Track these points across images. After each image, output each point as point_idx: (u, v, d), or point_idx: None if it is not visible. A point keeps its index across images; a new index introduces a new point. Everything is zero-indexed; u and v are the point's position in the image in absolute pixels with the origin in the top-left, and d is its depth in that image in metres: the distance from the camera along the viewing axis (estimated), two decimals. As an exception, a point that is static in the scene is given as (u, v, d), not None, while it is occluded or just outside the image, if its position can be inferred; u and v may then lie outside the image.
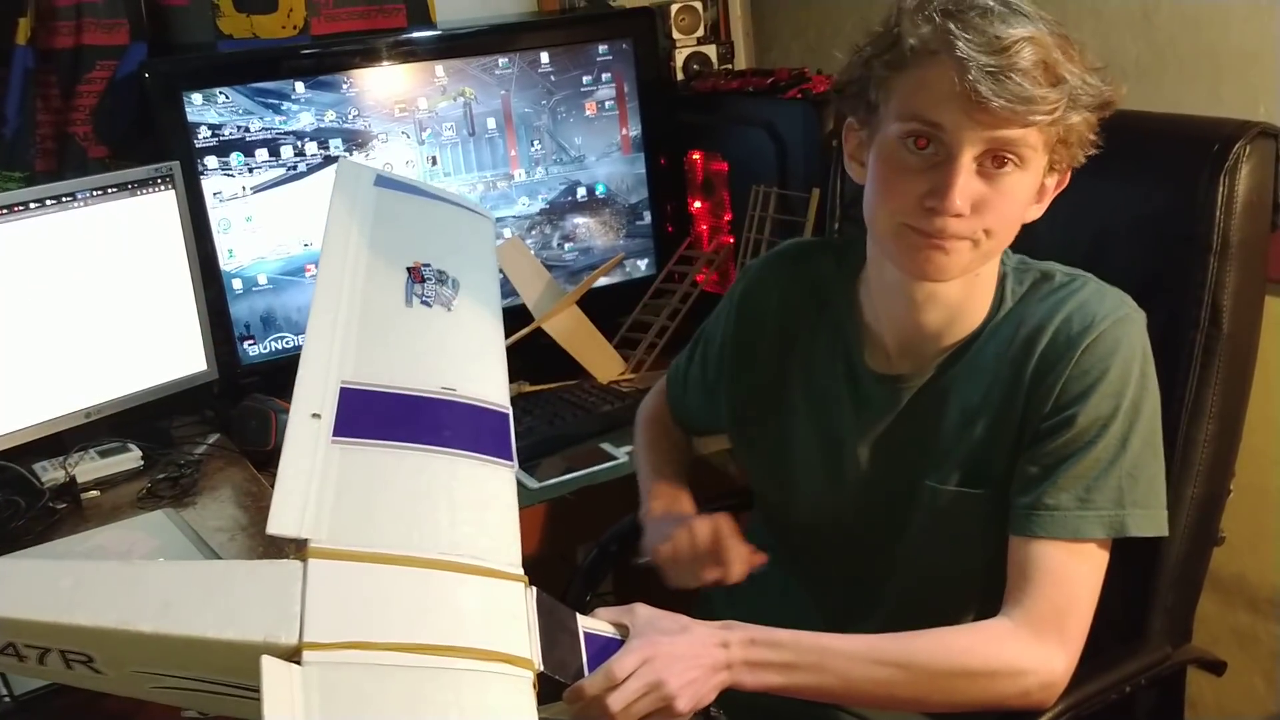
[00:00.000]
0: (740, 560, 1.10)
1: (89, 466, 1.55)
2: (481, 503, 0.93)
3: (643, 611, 0.98)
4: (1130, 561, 1.13)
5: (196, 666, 0.79)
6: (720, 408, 1.26)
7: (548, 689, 0.87)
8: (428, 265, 1.08)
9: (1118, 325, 0.99)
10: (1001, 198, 0.95)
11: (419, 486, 0.92)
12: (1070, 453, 0.98)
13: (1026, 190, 0.97)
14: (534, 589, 0.90)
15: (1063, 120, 0.93)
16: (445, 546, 0.87)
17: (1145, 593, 1.15)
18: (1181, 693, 1.23)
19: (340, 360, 0.97)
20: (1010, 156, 0.94)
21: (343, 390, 0.95)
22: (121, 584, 0.81)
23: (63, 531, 1.43)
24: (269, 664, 0.74)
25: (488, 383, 1.02)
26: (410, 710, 0.77)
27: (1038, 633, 0.97)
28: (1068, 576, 0.98)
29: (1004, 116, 0.91)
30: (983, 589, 1.07)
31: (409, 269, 1.07)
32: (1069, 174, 1.02)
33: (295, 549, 0.85)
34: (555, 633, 0.90)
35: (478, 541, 0.89)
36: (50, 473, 1.52)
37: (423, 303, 1.05)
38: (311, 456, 0.90)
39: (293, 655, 0.76)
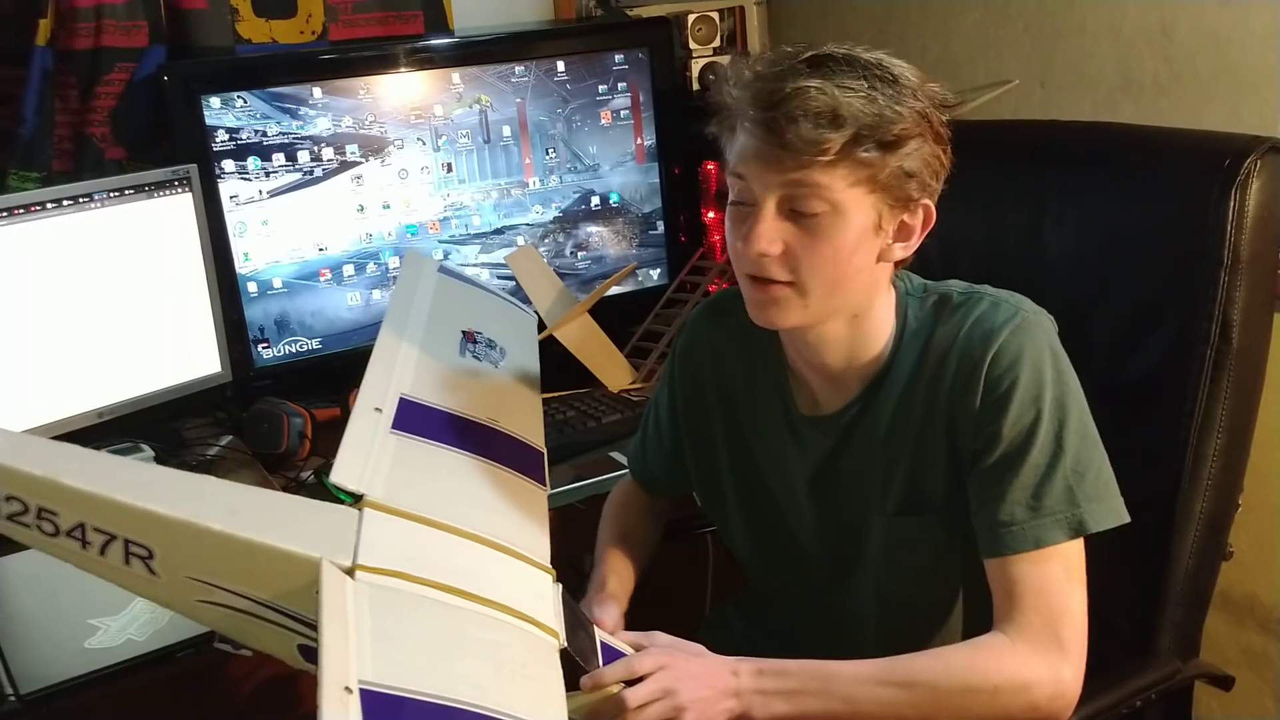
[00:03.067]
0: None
1: (101, 466, 1.56)
2: (518, 506, 1.00)
3: (661, 638, 1.02)
4: (1138, 576, 1.14)
5: (248, 579, 0.83)
6: (683, 470, 1.27)
7: (564, 676, 0.89)
8: (480, 333, 1.19)
9: (1016, 332, 1.01)
10: (816, 241, 0.98)
11: (465, 479, 1.00)
12: (1008, 466, 1.00)
13: (847, 233, 0.98)
14: (560, 585, 0.95)
15: (853, 159, 0.95)
16: (485, 527, 0.94)
17: (1154, 608, 1.15)
18: (1189, 708, 1.23)
19: (399, 379, 1.07)
20: (816, 201, 0.97)
21: (402, 399, 1.04)
22: (195, 488, 0.89)
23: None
24: (328, 570, 0.79)
25: (527, 429, 1.12)
26: (451, 636, 0.82)
27: (1035, 646, 0.97)
28: (1045, 586, 0.98)
29: (785, 162, 0.96)
30: (964, 612, 1.08)
31: (464, 331, 1.18)
32: (928, 209, 1.02)
33: (353, 502, 0.91)
34: (576, 629, 0.94)
35: (514, 532, 0.96)
36: (63, 471, 1.53)
37: (474, 357, 1.17)
38: (371, 436, 0.98)
39: (347, 574, 0.81)
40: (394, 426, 1.01)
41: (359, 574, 0.82)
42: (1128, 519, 1.01)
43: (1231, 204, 1.11)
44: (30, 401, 1.51)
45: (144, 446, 1.61)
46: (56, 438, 1.51)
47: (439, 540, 0.91)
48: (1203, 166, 1.14)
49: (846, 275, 1.01)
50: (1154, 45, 1.57)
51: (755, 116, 0.96)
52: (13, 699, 1.13)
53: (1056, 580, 0.98)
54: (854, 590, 1.13)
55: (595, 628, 1.00)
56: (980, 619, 1.02)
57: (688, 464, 1.25)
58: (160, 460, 1.60)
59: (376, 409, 1.01)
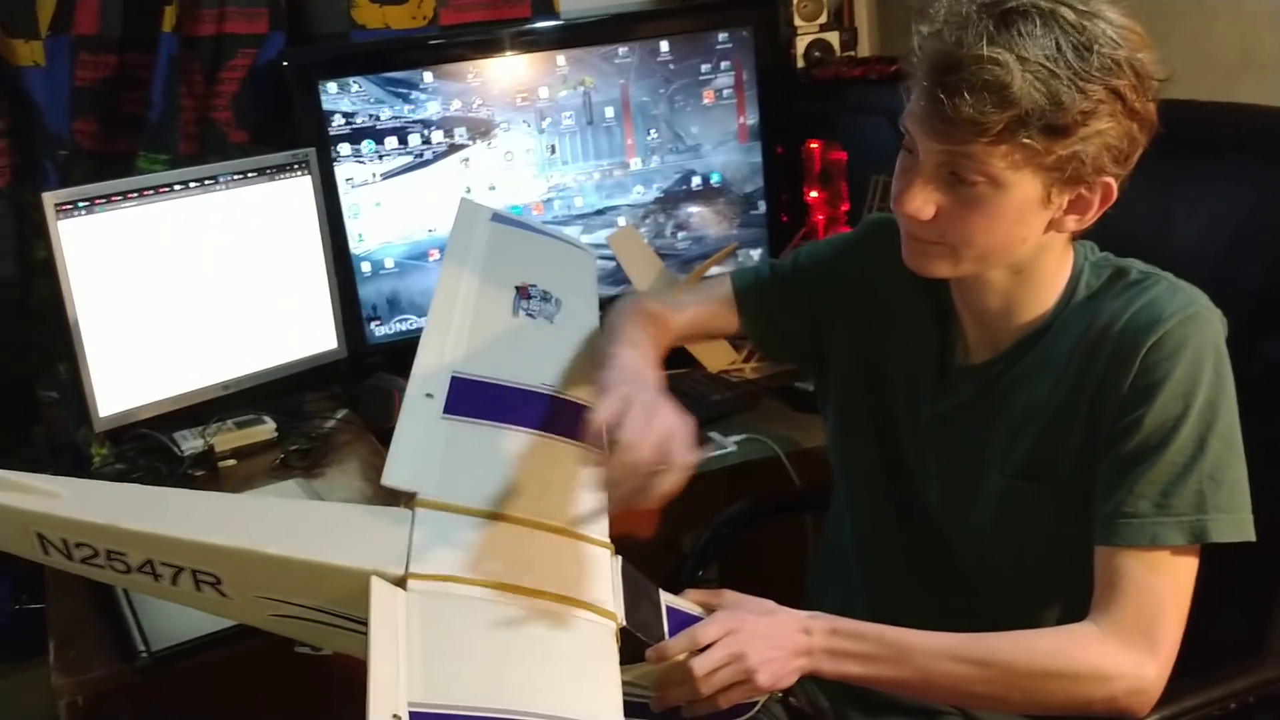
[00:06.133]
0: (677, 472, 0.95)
1: (226, 437, 1.63)
2: (575, 478, 0.99)
3: (730, 595, 1.02)
4: (1253, 575, 1.10)
5: (311, 593, 0.86)
6: (784, 320, 1.24)
7: (629, 649, 0.90)
8: (534, 285, 1.18)
9: (1186, 323, 0.97)
10: (971, 211, 0.96)
11: (519, 459, 1.00)
12: (1142, 456, 0.97)
13: (1007, 207, 0.95)
14: (619, 558, 0.95)
15: (1014, 143, 0.92)
16: (539, 509, 0.95)
17: (1265, 608, 1.11)
18: None
19: (452, 354, 1.07)
20: (974, 173, 0.94)
21: (453, 378, 1.04)
22: (249, 512, 0.92)
23: (200, 498, 1.52)
24: (378, 584, 0.81)
25: (583, 385, 1.09)
26: (502, 639, 0.83)
27: (1125, 640, 0.95)
28: (1152, 585, 0.96)
29: (945, 133, 0.93)
30: (1061, 593, 1.06)
31: (517, 287, 1.17)
32: (1108, 185, 0.97)
33: (405, 501, 0.92)
34: (639, 599, 0.94)
35: (569, 509, 0.96)
36: (190, 441, 1.61)
37: (528, 314, 1.15)
38: (424, 427, 0.99)
39: (399, 583, 0.83)
40: (446, 411, 1.01)
41: (410, 583, 0.83)
42: (1253, 537, 0.97)
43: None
44: (161, 375, 1.59)
45: (266, 419, 1.68)
46: (185, 409, 1.61)
47: (492, 533, 0.91)
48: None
49: (1006, 245, 0.99)
50: (1276, 23, 1.51)
51: (925, 81, 0.93)
52: (144, 655, 1.19)
53: (1163, 581, 0.97)
54: (955, 549, 1.12)
55: (661, 592, 0.99)
56: (1076, 611, 1.00)
57: (798, 323, 1.24)
58: (281, 432, 1.67)
59: (428, 395, 1.02)
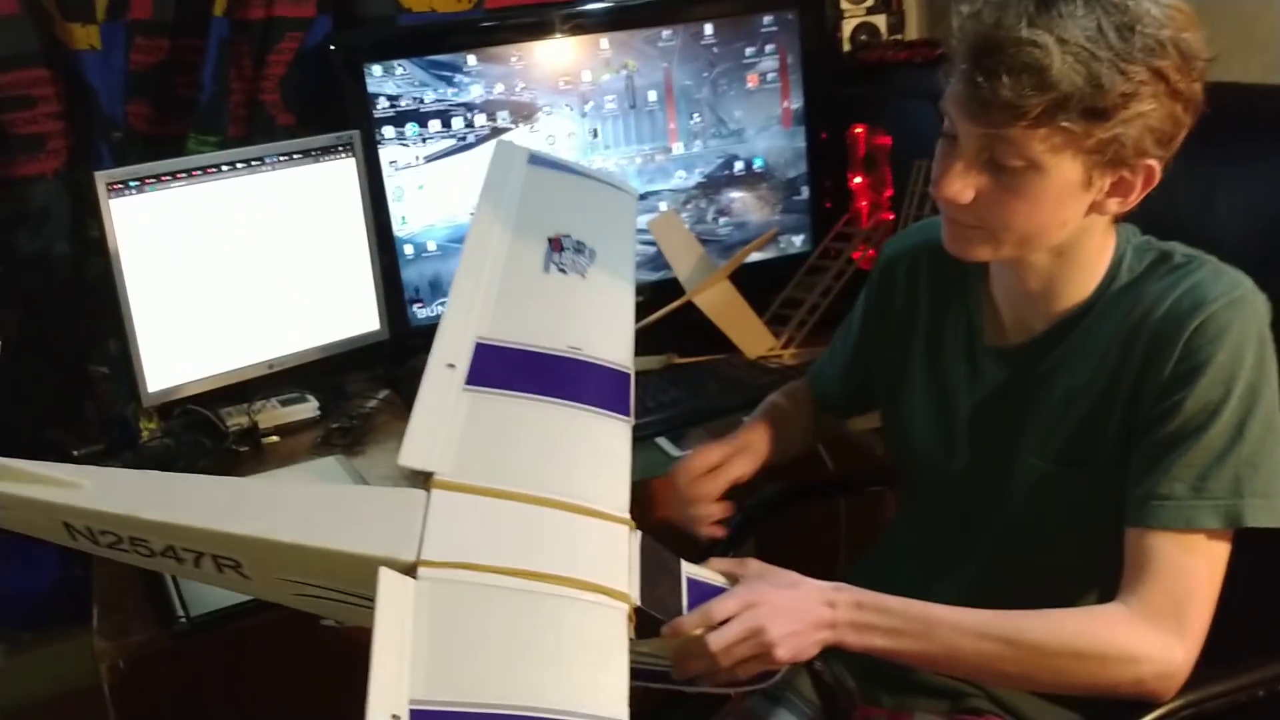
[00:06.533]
0: (702, 516, 1.15)
1: (270, 414, 1.67)
2: (596, 452, 1.00)
3: (755, 565, 1.02)
4: None
5: (328, 576, 0.88)
6: (853, 381, 1.29)
7: (651, 622, 0.91)
8: (568, 236, 1.16)
9: (1230, 307, 0.96)
10: (1011, 195, 0.96)
11: (539, 433, 1.00)
12: (1181, 439, 0.96)
13: (1048, 191, 0.95)
14: (639, 533, 0.95)
15: (1053, 125, 0.91)
16: (558, 487, 0.95)
17: None
18: None
19: (479, 318, 1.06)
20: (1014, 158, 0.94)
21: (478, 345, 1.04)
22: (268, 499, 0.93)
23: (244, 471, 1.55)
24: (385, 575, 0.81)
25: (612, 345, 1.09)
26: (511, 628, 0.83)
27: (1154, 622, 0.95)
28: (1183, 567, 0.96)
29: (984, 117, 0.94)
30: (1093, 578, 1.05)
31: (550, 239, 1.15)
32: (1152, 168, 0.97)
33: (422, 481, 0.93)
34: (657, 575, 0.94)
35: (589, 486, 0.96)
36: (234, 418, 1.64)
37: (559, 269, 1.13)
38: (443, 400, 0.99)
39: (410, 570, 0.84)
40: (468, 382, 1.01)
41: (421, 571, 0.84)
42: None
43: None
44: (208, 352, 1.63)
45: (309, 397, 1.72)
46: (231, 386, 1.65)
47: (509, 513, 0.92)
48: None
49: (1047, 228, 0.99)
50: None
51: (964, 63, 0.94)
52: (184, 620, 1.22)
53: (1195, 564, 0.96)
54: (991, 533, 1.12)
55: (682, 564, 0.99)
56: (1106, 594, 1.00)
57: (869, 376, 1.26)
58: (324, 411, 1.71)
59: (449, 365, 1.01)
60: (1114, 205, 0.99)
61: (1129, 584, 0.97)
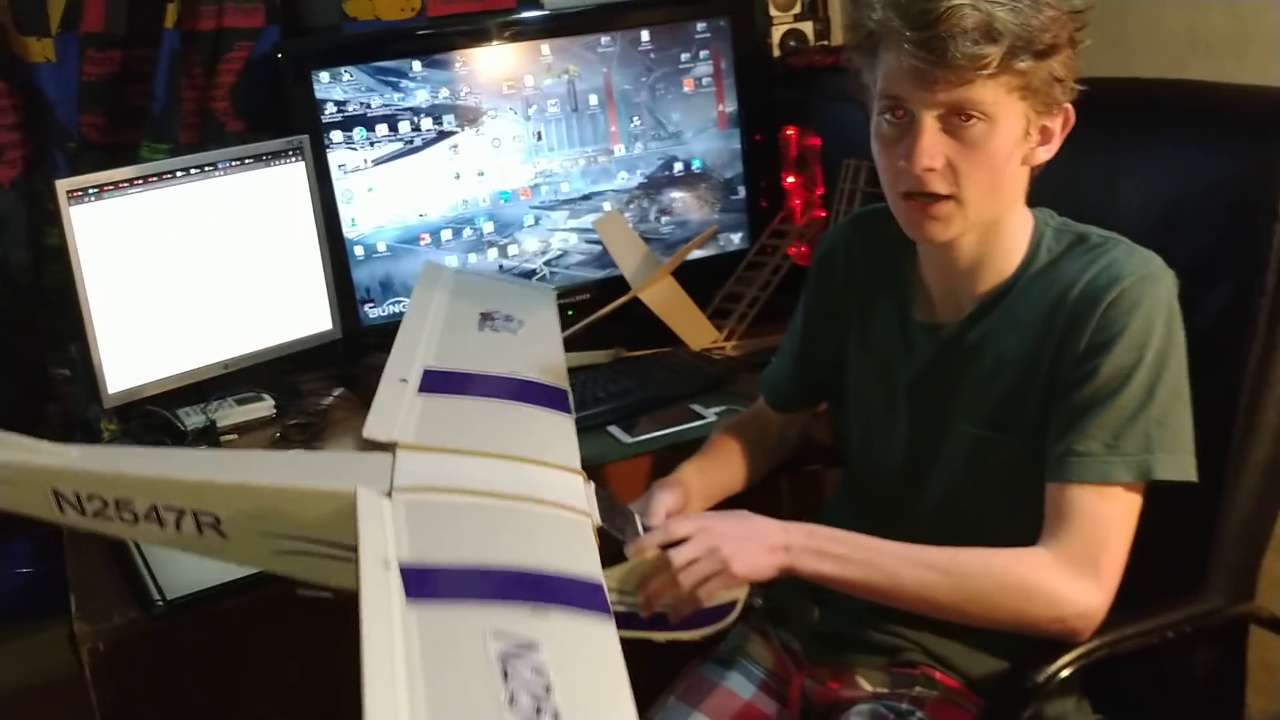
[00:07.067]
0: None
1: (227, 413, 1.70)
2: (545, 428, 1.08)
3: (702, 508, 1.13)
4: (1192, 518, 1.16)
5: (304, 523, 0.91)
6: (803, 377, 1.36)
7: (608, 551, 0.97)
8: (497, 311, 1.28)
9: (1141, 282, 1.05)
10: (973, 151, 1.04)
11: (492, 415, 1.09)
12: (1097, 401, 1.05)
13: (1002, 140, 1.05)
14: (593, 484, 1.02)
15: (1011, 70, 1.01)
16: (515, 448, 1.02)
17: (1206, 549, 1.18)
18: (1243, 650, 1.24)
19: (424, 355, 1.15)
20: (972, 113, 1.02)
21: (426, 370, 1.13)
22: (243, 458, 1.01)
23: (204, 470, 1.58)
24: (364, 493, 0.87)
25: (548, 374, 1.19)
26: (485, 527, 0.89)
27: (1073, 567, 1.04)
28: (1099, 517, 1.04)
29: (948, 80, 1.01)
30: (1025, 538, 1.12)
31: (482, 313, 1.26)
32: (1069, 110, 1.08)
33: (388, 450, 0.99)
34: (613, 514, 1.02)
35: (543, 448, 1.04)
36: (192, 418, 1.67)
37: (492, 330, 1.25)
38: (400, 398, 1.06)
39: (384, 497, 0.89)
40: (420, 390, 1.08)
41: (395, 495, 0.90)
42: (1194, 478, 1.05)
43: (1287, 157, 1.13)
44: (166, 354, 1.66)
45: (265, 396, 1.75)
46: (188, 387, 1.68)
47: (471, 463, 0.99)
48: (1260, 121, 1.18)
49: (1001, 181, 1.08)
50: (1222, 4, 1.59)
51: (913, 37, 1.00)
52: (159, 604, 1.25)
53: (1110, 515, 1.05)
54: (927, 499, 1.19)
55: (634, 513, 1.07)
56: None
57: (816, 369, 1.33)
58: (280, 409, 1.74)
59: (402, 380, 1.09)
60: (1043, 153, 1.09)
61: (1050, 533, 1.06)
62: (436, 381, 1.10)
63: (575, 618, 0.81)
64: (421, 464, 0.96)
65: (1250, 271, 1.17)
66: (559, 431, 1.09)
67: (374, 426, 1.00)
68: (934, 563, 1.05)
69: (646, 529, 1.06)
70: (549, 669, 0.72)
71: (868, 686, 1.20)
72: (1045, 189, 1.26)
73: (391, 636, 0.71)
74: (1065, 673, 1.06)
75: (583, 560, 0.89)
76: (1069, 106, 1.08)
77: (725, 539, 1.04)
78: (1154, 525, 1.07)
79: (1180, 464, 1.05)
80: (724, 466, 1.33)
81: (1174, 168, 1.26)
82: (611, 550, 0.99)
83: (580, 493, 1.00)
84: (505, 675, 0.70)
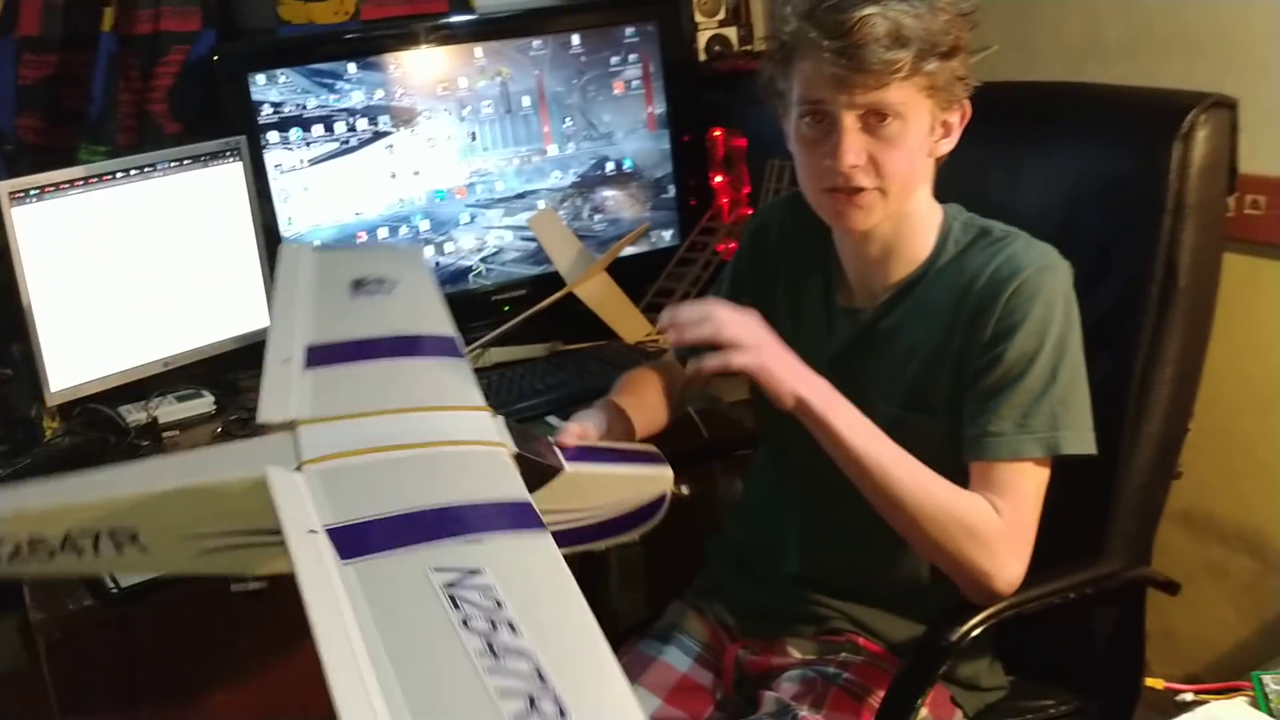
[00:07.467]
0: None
1: (168, 409, 1.72)
2: (440, 376, 1.07)
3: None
4: (1091, 490, 1.25)
5: (221, 517, 0.90)
6: None
7: (535, 476, 0.98)
8: (367, 276, 1.26)
9: (1040, 273, 1.14)
10: (891, 147, 1.12)
11: (384, 377, 1.06)
12: (1005, 384, 1.13)
13: (914, 135, 1.13)
14: (501, 417, 1.01)
15: (920, 72, 1.09)
16: (415, 400, 1.00)
17: (1103, 519, 1.27)
18: (1141, 613, 1.33)
19: (301, 335, 1.12)
20: (888, 113, 1.11)
21: (308, 347, 1.10)
22: (145, 469, 0.98)
23: (147, 467, 1.60)
24: (274, 472, 0.85)
25: (431, 323, 1.17)
26: (405, 481, 0.88)
27: (1006, 533, 1.11)
28: (1014, 491, 1.12)
29: (865, 84, 1.09)
30: None
31: (352, 281, 1.25)
32: (966, 106, 1.17)
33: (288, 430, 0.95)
34: (527, 440, 1.01)
35: (444, 394, 1.03)
36: (134, 415, 1.69)
37: (367, 295, 1.23)
38: (289, 379, 1.04)
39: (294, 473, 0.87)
40: (307, 366, 1.05)
41: (305, 468, 0.87)
42: (1094, 451, 1.14)
43: (1175, 154, 1.22)
44: (107, 352, 1.67)
45: (204, 393, 1.77)
46: (129, 385, 1.70)
47: (375, 423, 0.96)
48: (1153, 121, 1.26)
49: (915, 172, 1.16)
50: (1117, 9, 1.69)
51: (831, 46, 1.08)
52: (114, 591, 1.27)
53: (1024, 489, 1.13)
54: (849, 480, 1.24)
55: (551, 440, 1.08)
56: None
57: None
58: (220, 406, 1.76)
59: (285, 360, 1.06)
60: (945, 145, 1.18)
61: None
62: (321, 355, 1.08)
63: (510, 537, 0.81)
64: (325, 434, 0.93)
65: (1141, 261, 1.26)
66: (454, 374, 1.07)
67: (267, 410, 0.98)
68: (913, 469, 1.11)
69: (563, 449, 1.07)
70: (496, 588, 0.73)
71: (797, 654, 1.26)
72: (954, 186, 1.35)
73: (335, 597, 0.71)
74: (976, 632, 1.12)
75: (505, 485, 0.89)
76: (966, 102, 1.16)
77: (771, 348, 1.12)
78: (1058, 496, 1.15)
79: (1083, 439, 1.14)
80: (633, 408, 1.34)
81: (1072, 165, 1.35)
82: (535, 477, 0.99)
83: (490, 426, 0.99)
84: (454, 603, 0.71)
